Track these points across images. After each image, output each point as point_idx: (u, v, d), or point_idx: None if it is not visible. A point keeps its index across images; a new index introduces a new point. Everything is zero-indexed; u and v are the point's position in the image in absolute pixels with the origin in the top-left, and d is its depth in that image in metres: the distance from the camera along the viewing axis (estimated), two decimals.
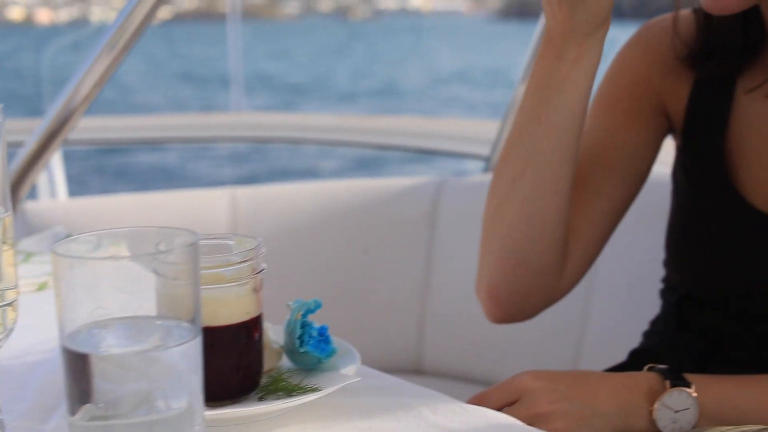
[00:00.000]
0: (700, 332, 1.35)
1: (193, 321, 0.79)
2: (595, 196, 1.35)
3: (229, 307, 0.94)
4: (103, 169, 12.81)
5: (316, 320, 1.05)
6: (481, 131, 2.58)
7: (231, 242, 0.99)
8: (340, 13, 68.01)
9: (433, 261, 2.14)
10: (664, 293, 1.44)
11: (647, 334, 1.47)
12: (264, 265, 0.97)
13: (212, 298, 0.93)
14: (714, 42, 1.34)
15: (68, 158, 2.63)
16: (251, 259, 0.96)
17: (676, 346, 1.37)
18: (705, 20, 1.34)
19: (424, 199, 2.17)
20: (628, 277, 1.94)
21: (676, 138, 1.41)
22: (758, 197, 1.30)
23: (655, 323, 1.46)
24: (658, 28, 1.40)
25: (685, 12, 1.37)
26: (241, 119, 2.83)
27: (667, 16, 1.39)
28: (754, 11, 1.30)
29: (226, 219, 2.17)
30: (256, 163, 13.98)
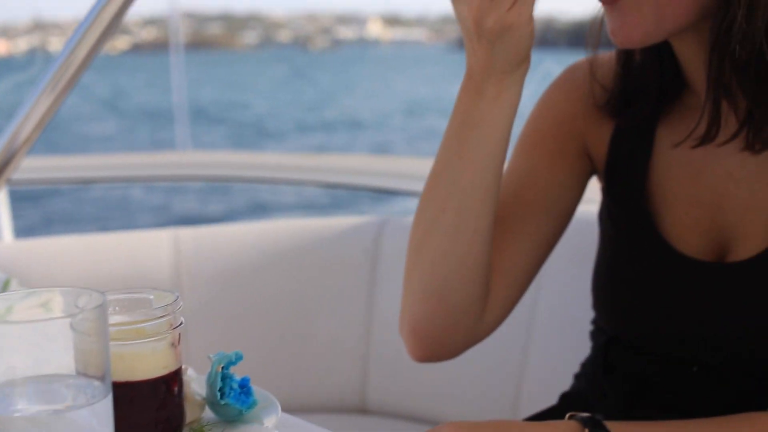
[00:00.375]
0: (626, 376, 1.36)
1: (103, 379, 0.80)
2: (517, 236, 1.36)
3: (147, 362, 0.95)
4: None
5: (237, 372, 1.06)
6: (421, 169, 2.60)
7: (151, 296, 1.00)
8: (300, 43, 68.18)
9: (376, 300, 2.15)
10: (593, 335, 1.46)
11: (578, 377, 1.49)
12: (182, 319, 0.98)
13: (130, 354, 0.94)
14: (631, 89, 1.36)
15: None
16: (169, 314, 0.97)
17: (603, 389, 1.39)
18: (623, 67, 1.36)
19: (365, 238, 2.18)
20: (567, 317, 1.96)
21: (600, 179, 1.43)
22: (680, 241, 1.32)
23: (585, 365, 1.47)
24: (583, 70, 1.41)
25: (608, 55, 1.39)
26: (189, 158, 2.83)
27: (603, 55, 1.41)
28: (669, 57, 1.32)
29: (169, 260, 2.18)
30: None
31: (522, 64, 1.22)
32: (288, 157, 2.87)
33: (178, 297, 0.98)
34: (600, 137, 1.40)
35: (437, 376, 2.09)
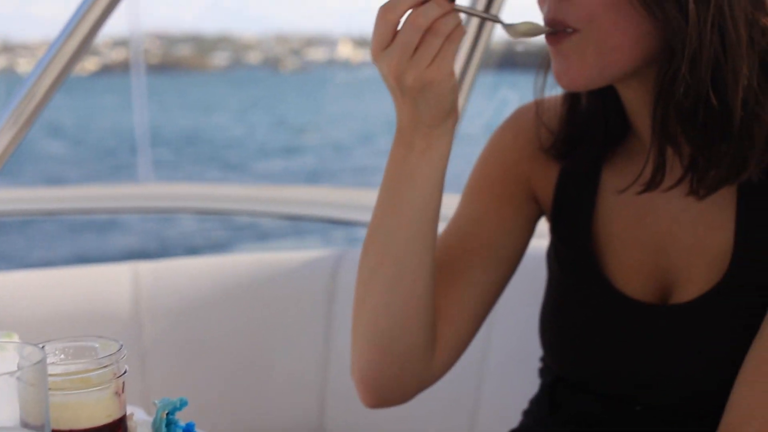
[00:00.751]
0: (571, 415, 1.39)
1: (42, 429, 0.82)
2: (464, 282, 1.39)
3: (91, 411, 0.96)
4: None
5: (182, 418, 1.07)
6: None
7: (96, 345, 1.01)
8: (270, 65, 68.17)
9: (333, 333, 2.17)
10: (542, 372, 1.48)
11: (526, 413, 1.51)
12: (126, 368, 1.00)
13: (75, 403, 0.95)
14: (577, 133, 1.38)
15: None
16: (114, 363, 0.98)
17: (549, 427, 1.41)
18: (568, 111, 1.39)
19: (323, 272, 2.20)
20: (521, 353, 1.98)
21: (547, 221, 1.46)
22: (625, 283, 1.35)
23: (533, 402, 1.50)
24: (531, 113, 1.44)
25: (555, 98, 1.42)
26: (149, 190, 2.84)
27: (546, 99, 1.43)
28: (614, 101, 1.35)
29: (129, 294, 2.19)
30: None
31: (448, 117, 1.23)
32: (250, 189, 2.88)
33: (122, 346, 1.00)
34: (546, 180, 1.43)
35: (393, 411, 2.10)
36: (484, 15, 1.20)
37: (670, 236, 1.33)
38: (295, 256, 2.25)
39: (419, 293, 1.30)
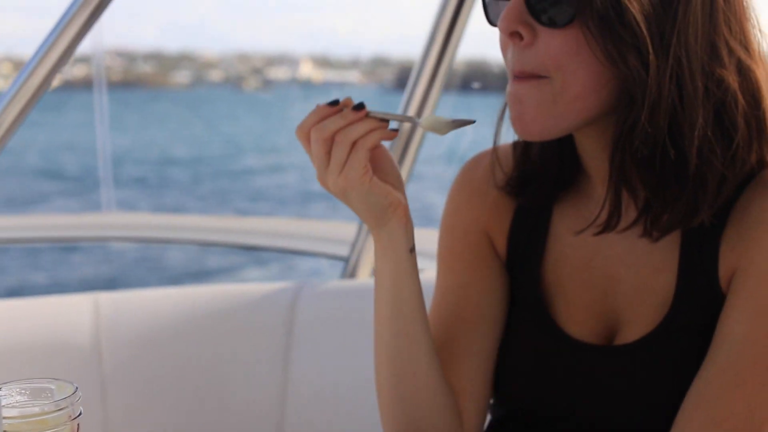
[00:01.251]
0: None
1: None
2: (466, 354, 1.43)
3: None
4: None
5: None
6: (342, 232, 2.67)
7: (52, 386, 1.04)
8: (232, 83, 67.98)
9: (291, 366, 2.19)
10: (492, 408, 1.51)
11: None
12: (81, 410, 1.03)
13: None
14: (530, 172, 1.42)
15: None
16: (69, 405, 1.01)
17: None
18: (521, 153, 1.42)
19: (281, 304, 2.23)
20: None
21: (504, 266, 1.48)
22: (572, 324, 1.39)
23: None
24: (475, 165, 1.49)
25: (505, 145, 1.45)
26: (112, 219, 2.86)
27: (485, 152, 1.48)
28: (569, 145, 1.39)
29: (89, 325, 2.20)
30: None
31: (385, 217, 1.29)
32: (211, 219, 2.91)
33: (77, 389, 1.02)
34: (501, 227, 1.47)
35: None
36: (398, 117, 1.25)
37: (616, 278, 1.36)
38: (255, 288, 2.28)
39: (428, 382, 1.37)
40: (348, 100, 1.25)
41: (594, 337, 1.37)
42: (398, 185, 1.31)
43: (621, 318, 1.36)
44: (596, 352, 1.36)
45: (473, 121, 1.26)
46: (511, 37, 1.25)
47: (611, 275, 1.37)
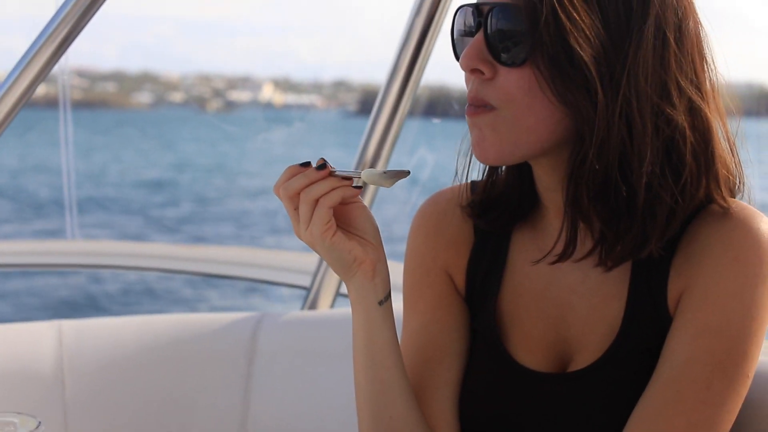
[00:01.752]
0: None
1: None
2: (436, 394, 1.48)
3: None
4: None
5: None
6: (302, 262, 2.71)
7: (16, 420, 1.06)
8: (194, 104, 67.70)
9: (251, 395, 2.22)
10: None
11: None
12: None
13: None
14: (494, 198, 1.47)
15: None
16: None
17: None
18: (488, 176, 1.48)
19: (243, 334, 2.25)
20: None
21: (464, 300, 1.53)
22: (526, 353, 1.44)
23: None
24: (432, 206, 1.54)
25: (463, 185, 1.51)
26: (75, 247, 2.88)
27: (441, 192, 1.54)
28: (529, 175, 1.44)
29: (53, 352, 2.20)
30: None
31: (350, 270, 1.37)
32: (172, 247, 2.94)
33: (40, 423, 1.05)
34: (459, 265, 1.52)
35: None
36: (348, 173, 1.34)
37: (569, 307, 1.42)
38: (216, 318, 2.31)
39: (402, 418, 1.42)
40: (320, 160, 1.33)
41: (548, 365, 1.42)
42: (371, 240, 1.39)
43: (573, 346, 1.41)
44: (549, 380, 1.41)
45: (408, 173, 1.34)
46: (473, 73, 1.33)
47: (564, 304, 1.42)
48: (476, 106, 1.33)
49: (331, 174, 1.32)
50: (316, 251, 1.36)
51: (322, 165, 1.32)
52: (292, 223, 1.35)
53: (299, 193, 1.32)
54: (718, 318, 1.30)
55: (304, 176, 1.32)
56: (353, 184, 1.34)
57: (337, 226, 1.35)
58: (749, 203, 1.38)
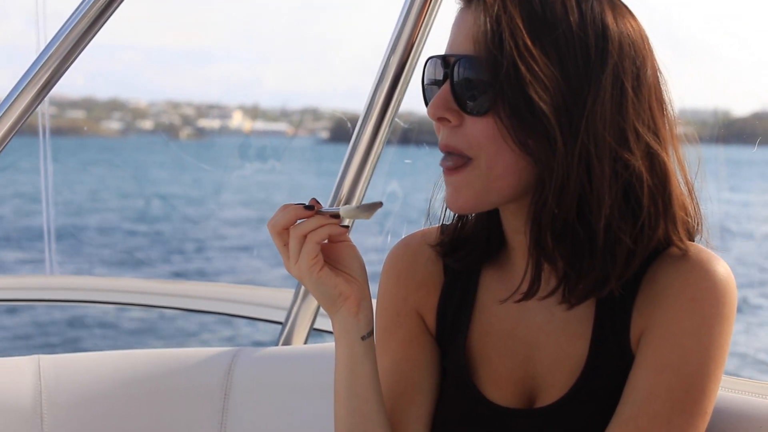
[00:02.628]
0: None
1: None
2: (409, 423, 1.54)
3: None
4: None
5: None
6: (278, 298, 2.76)
7: None
8: (163, 131, 67.45)
9: (228, 431, 2.25)
10: None
11: None
12: None
13: None
14: (463, 238, 1.53)
15: None
16: None
17: None
18: (458, 218, 1.54)
19: (219, 368, 2.28)
20: None
21: (434, 339, 1.59)
22: (494, 390, 1.49)
23: None
24: (403, 248, 1.60)
25: (434, 228, 1.58)
26: (53, 282, 2.91)
27: (411, 235, 1.60)
28: (496, 218, 1.50)
29: (32, 387, 2.22)
30: None
31: (333, 305, 1.45)
32: (148, 283, 2.97)
33: None
34: (430, 305, 1.57)
35: None
36: (329, 211, 1.42)
37: (536, 345, 1.47)
38: (193, 353, 2.33)
39: None
40: (312, 200, 1.42)
41: (516, 401, 1.48)
42: (357, 277, 1.46)
43: (540, 383, 1.47)
44: (517, 416, 1.46)
45: (381, 204, 1.42)
46: (439, 121, 1.40)
47: (531, 342, 1.48)
48: (446, 152, 1.40)
49: (319, 212, 1.40)
50: (304, 285, 1.44)
51: (311, 206, 1.41)
52: (282, 258, 1.42)
53: (288, 229, 1.40)
54: (676, 356, 1.36)
55: (294, 213, 1.40)
56: (341, 223, 1.41)
57: (325, 262, 1.42)
58: (707, 245, 1.44)
